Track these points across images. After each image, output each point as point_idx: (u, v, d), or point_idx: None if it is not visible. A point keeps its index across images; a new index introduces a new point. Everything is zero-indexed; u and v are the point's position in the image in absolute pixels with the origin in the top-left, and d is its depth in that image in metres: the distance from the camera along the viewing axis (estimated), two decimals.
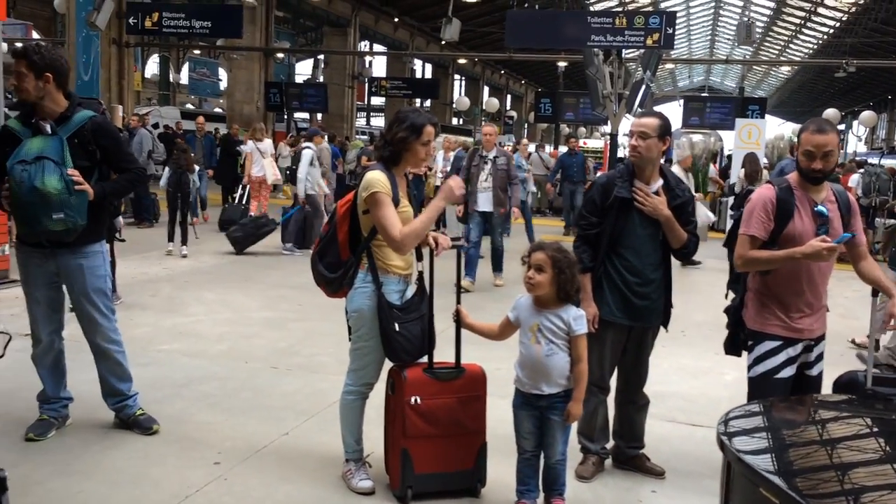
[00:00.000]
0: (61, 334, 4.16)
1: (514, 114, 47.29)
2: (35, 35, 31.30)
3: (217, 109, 32.53)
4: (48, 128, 3.78)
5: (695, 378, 5.71)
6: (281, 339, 6.31)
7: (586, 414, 3.73)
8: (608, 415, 3.97)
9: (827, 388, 3.56)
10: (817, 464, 2.34)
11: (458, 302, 3.57)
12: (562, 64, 30.96)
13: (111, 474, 3.69)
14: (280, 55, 29.31)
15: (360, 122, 39.26)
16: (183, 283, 8.36)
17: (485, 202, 8.64)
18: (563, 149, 20.37)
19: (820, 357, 3.47)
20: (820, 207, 3.29)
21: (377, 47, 37.02)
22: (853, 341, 6.71)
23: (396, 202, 3.39)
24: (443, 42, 28.53)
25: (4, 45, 9.28)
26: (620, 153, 15.51)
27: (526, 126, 50.03)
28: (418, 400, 3.42)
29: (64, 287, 4.08)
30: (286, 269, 9.51)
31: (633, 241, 3.71)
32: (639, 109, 14.45)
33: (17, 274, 8.03)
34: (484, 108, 38.58)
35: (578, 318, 3.30)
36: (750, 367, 3.45)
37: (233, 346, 5.98)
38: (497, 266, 9.10)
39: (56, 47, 4.00)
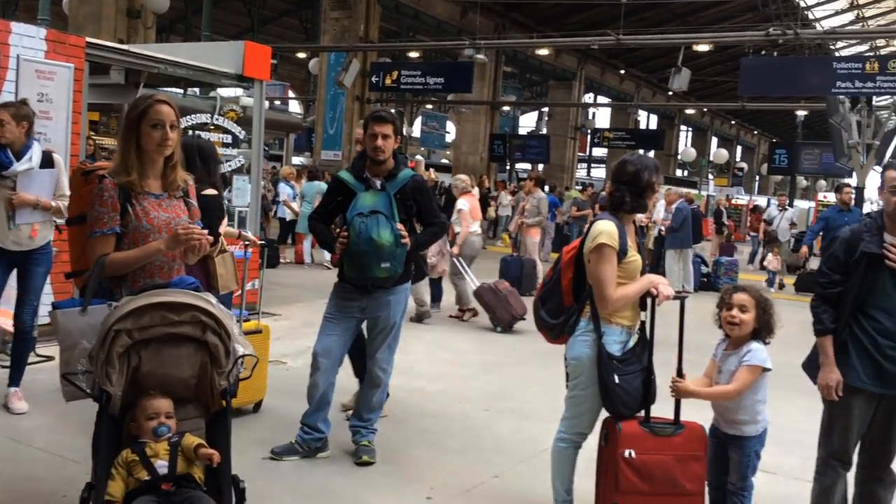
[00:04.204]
0: (337, 369, 4.43)
1: (744, 165, 44.99)
2: (291, 94, 35.03)
3: (443, 160, 34.15)
4: (378, 184, 4.20)
5: None
6: (494, 382, 6.39)
7: (822, 489, 3.40)
8: (847, 492, 3.56)
9: None
10: None
11: (680, 362, 3.44)
12: (801, 113, 29.07)
13: (332, 499, 3.92)
14: (506, 108, 30.28)
15: (581, 172, 39.26)
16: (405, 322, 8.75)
17: None
18: (795, 202, 18.78)
19: None
20: None
21: (601, 99, 37.03)
22: None
23: (625, 252, 3.35)
24: (670, 93, 27.95)
25: (266, 103, 10.49)
26: (867, 208, 14.19)
27: (757, 178, 47.35)
28: (633, 454, 3.29)
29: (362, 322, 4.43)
30: None
31: (884, 301, 3.34)
32: (892, 161, 13.16)
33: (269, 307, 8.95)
34: (711, 159, 37.12)
35: (752, 351, 3.34)
36: None
37: (448, 387, 6.14)
38: None
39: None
